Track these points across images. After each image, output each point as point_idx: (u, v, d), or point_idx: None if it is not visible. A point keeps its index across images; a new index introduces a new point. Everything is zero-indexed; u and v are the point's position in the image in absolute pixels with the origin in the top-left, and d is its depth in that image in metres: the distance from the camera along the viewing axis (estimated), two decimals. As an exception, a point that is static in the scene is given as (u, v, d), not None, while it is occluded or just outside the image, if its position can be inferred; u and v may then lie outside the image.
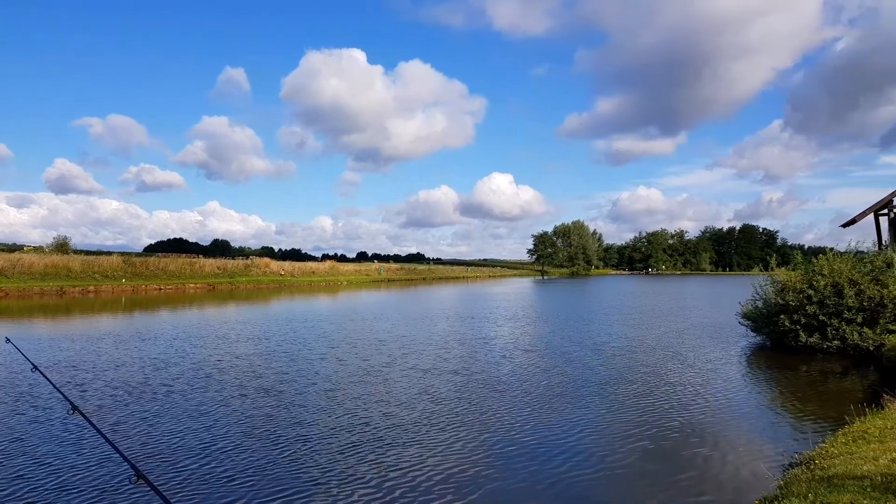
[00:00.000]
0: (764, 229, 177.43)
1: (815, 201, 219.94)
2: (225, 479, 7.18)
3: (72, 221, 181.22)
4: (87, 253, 61.24)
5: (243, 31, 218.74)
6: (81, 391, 11.80)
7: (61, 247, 63.25)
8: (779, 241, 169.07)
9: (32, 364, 4.94)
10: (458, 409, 10.56)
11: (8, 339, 4.93)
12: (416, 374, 13.79)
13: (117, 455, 3.26)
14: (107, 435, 3.49)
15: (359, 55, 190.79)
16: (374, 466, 7.63)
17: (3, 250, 57.70)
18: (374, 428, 9.34)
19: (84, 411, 3.67)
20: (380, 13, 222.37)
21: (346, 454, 8.10)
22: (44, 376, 4.67)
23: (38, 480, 7.13)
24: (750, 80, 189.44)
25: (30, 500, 6.60)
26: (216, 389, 12.08)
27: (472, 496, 6.77)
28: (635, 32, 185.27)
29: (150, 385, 12.44)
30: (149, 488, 2.77)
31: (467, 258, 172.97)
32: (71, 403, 4.07)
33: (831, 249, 19.08)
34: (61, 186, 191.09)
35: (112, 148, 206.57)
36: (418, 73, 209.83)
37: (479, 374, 13.85)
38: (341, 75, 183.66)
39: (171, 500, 2.58)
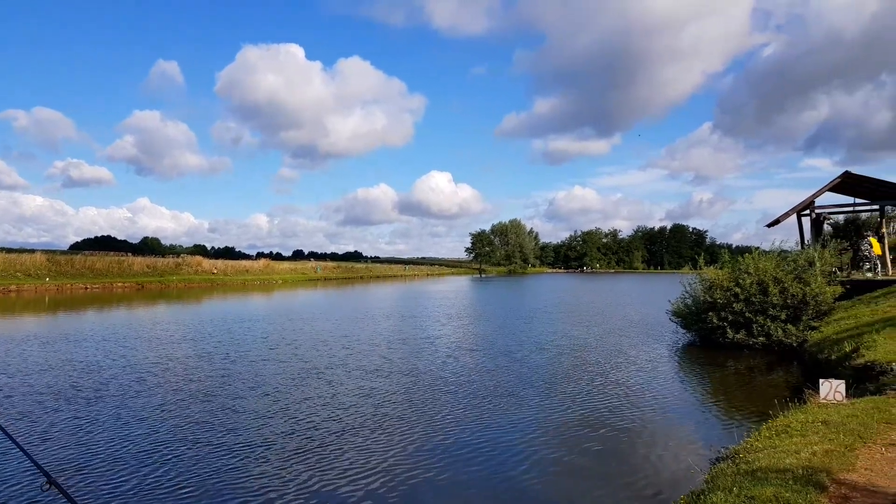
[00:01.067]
0: (694, 229, 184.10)
1: (743, 202, 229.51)
2: (152, 489, 6.97)
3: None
4: (9, 251, 58.15)
5: (177, 23, 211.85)
6: (5, 397, 11.24)
7: (-21, 244, 59.96)
8: (708, 240, 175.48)
9: None
10: (404, 411, 10.56)
11: None
12: (360, 376, 13.68)
13: (30, 461, 3.14)
14: (18, 440, 3.31)
15: (297, 51, 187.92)
16: (318, 472, 7.55)
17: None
18: (320, 432, 9.23)
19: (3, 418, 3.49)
20: (319, 9, 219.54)
21: (290, 460, 7.99)
22: None
23: None
24: (682, 82, 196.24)
25: None
26: (148, 394, 11.70)
27: (421, 499, 6.79)
28: (572, 34, 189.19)
29: (79, 390, 11.93)
30: (60, 495, 2.74)
31: (406, 256, 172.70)
32: None
33: (757, 248, 19.97)
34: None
35: (37, 142, 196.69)
36: (357, 70, 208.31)
37: (424, 375, 13.86)
38: (278, 71, 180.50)
39: None
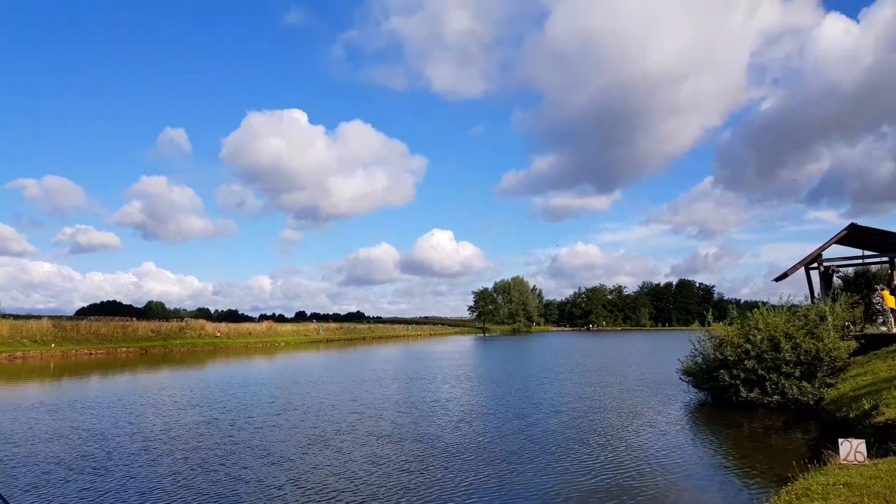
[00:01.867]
0: (701, 284, 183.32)
1: (749, 256, 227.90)
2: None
3: (2, 285, 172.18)
4: (17, 317, 58.18)
5: (184, 91, 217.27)
6: (12, 468, 11.06)
7: (-12, 312, 60.19)
8: (715, 295, 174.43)
9: None
10: (418, 480, 10.33)
11: None
12: (371, 442, 13.43)
13: None
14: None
15: (300, 116, 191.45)
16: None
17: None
18: None
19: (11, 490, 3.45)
20: (321, 75, 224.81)
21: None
22: None
23: None
24: (680, 138, 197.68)
25: None
26: (155, 463, 11.51)
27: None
28: (569, 93, 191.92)
29: (86, 459, 11.75)
30: None
31: (408, 316, 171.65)
32: None
33: (765, 303, 19.81)
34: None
35: (47, 209, 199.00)
36: (359, 133, 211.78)
37: (437, 441, 13.58)
38: (282, 135, 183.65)
39: None
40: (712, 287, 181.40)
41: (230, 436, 14.21)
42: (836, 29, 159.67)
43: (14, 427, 15.41)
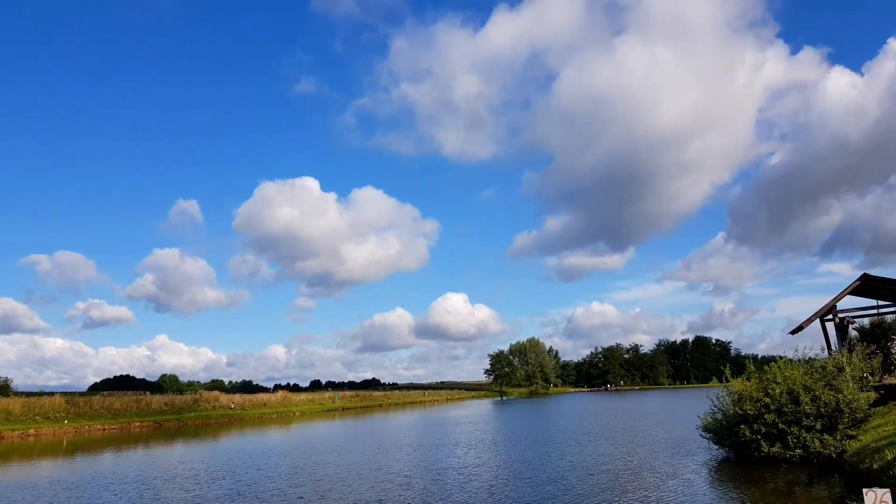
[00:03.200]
0: (717, 340, 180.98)
1: (765, 310, 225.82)
2: None
3: (14, 362, 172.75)
4: (29, 394, 58.21)
5: (196, 162, 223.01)
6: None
7: (2, 389, 60.22)
8: (733, 351, 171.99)
9: None
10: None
11: None
12: None
13: None
14: None
15: (312, 184, 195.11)
16: None
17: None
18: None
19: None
20: (333, 142, 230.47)
21: None
22: None
23: None
24: (691, 195, 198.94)
25: None
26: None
27: None
28: (578, 153, 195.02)
29: None
30: None
31: (425, 381, 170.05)
32: None
33: (782, 357, 19.59)
34: (5, 326, 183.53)
35: (59, 284, 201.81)
36: (371, 199, 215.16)
37: None
38: (294, 204, 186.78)
39: None
40: (729, 343, 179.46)
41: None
42: (841, 83, 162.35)
43: None
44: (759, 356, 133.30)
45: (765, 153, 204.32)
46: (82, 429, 48.51)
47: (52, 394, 56.88)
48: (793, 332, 25.96)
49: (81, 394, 68.03)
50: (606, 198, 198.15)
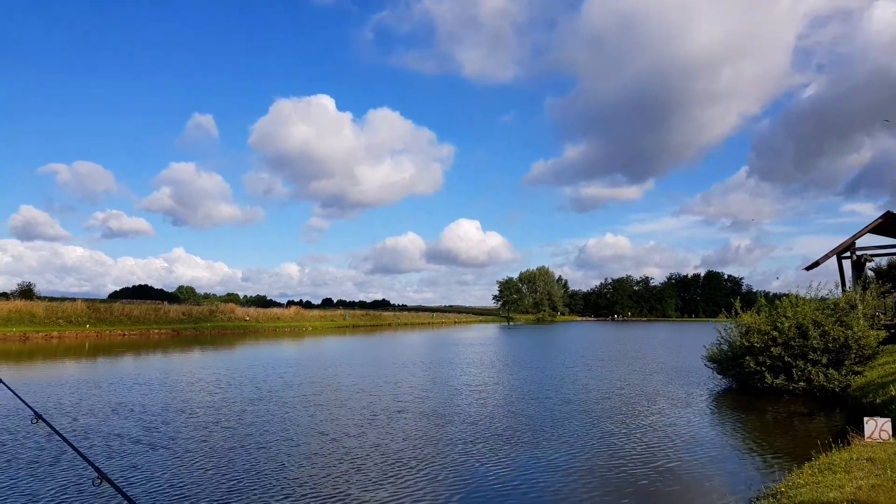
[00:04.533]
0: (729, 276, 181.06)
1: (782, 248, 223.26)
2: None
3: (36, 268, 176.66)
4: (52, 299, 59.72)
5: (213, 78, 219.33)
6: (86, 436, 11.52)
7: (26, 293, 61.78)
8: (744, 287, 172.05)
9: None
10: (485, 457, 10.53)
11: None
12: (425, 422, 13.38)
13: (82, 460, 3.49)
14: (72, 441, 3.58)
15: (328, 102, 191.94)
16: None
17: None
18: (375, 471, 9.32)
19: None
20: (350, 59, 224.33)
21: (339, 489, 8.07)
22: (6, 387, 4.71)
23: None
24: (717, 126, 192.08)
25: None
26: (213, 436, 11.85)
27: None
28: (604, 78, 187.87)
29: (152, 433, 11.94)
30: (113, 490, 2.98)
31: (433, 304, 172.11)
32: (33, 412, 4.15)
33: (795, 294, 19.56)
34: (27, 233, 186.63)
35: (78, 194, 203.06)
36: (387, 121, 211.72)
37: (493, 422, 13.55)
38: (310, 122, 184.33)
39: (135, 499, 2.74)
40: (741, 279, 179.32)
41: (285, 413, 14.31)
42: (888, 12, 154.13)
43: (74, 401, 15.82)
44: (772, 293, 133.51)
45: (799, 84, 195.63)
46: (103, 333, 50.08)
47: (73, 299, 58.38)
48: (808, 268, 25.87)
49: (102, 301, 69.71)
50: (629, 127, 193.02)
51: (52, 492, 8.01)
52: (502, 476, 9.05)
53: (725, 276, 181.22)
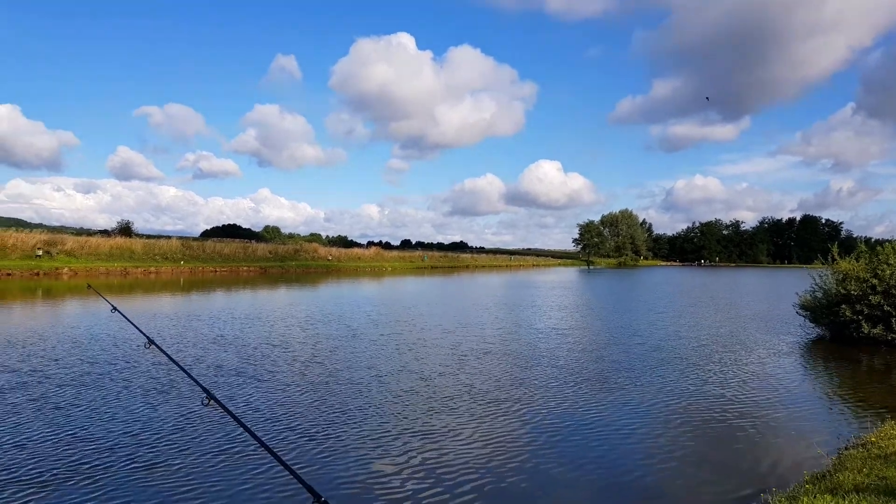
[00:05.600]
0: (827, 220, 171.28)
1: (889, 191, 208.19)
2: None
3: (133, 207, 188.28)
4: (149, 237, 63.39)
5: (294, 19, 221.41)
6: (191, 365, 12.24)
7: (125, 230, 65.67)
8: (843, 232, 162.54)
9: (112, 306, 5.26)
10: (532, 393, 10.64)
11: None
12: (516, 363, 13.48)
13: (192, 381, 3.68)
14: (181, 364, 3.75)
15: (408, 41, 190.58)
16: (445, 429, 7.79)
17: (72, 233, 60.26)
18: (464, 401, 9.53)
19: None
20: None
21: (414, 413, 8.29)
22: (122, 315, 4.97)
23: (126, 402, 8.62)
24: (822, 60, 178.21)
25: (124, 420, 7.92)
26: (313, 372, 12.36)
27: (542, 472, 6.87)
28: (699, 9, 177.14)
29: (257, 365, 12.50)
30: (220, 410, 3.14)
31: (511, 247, 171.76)
32: (147, 337, 4.35)
33: (900, 239, 18.27)
34: (124, 173, 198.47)
35: (170, 136, 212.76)
36: (467, 59, 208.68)
37: (586, 365, 13.52)
38: (390, 62, 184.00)
39: (240, 418, 2.84)
40: (840, 224, 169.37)
41: (375, 351, 14.49)
42: None
43: (177, 333, 16.72)
44: (874, 239, 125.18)
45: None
46: (196, 270, 52.96)
47: (168, 237, 61.77)
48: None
49: (194, 239, 73.41)
50: (724, 61, 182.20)
51: (166, 410, 8.62)
52: (594, 420, 8.95)
53: (823, 221, 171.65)
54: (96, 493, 5.77)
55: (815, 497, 4.61)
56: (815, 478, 5.16)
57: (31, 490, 5.78)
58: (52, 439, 7.31)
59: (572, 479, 6.63)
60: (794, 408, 9.90)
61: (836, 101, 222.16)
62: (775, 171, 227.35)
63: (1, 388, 9.76)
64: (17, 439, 7.26)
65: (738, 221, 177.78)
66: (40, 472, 6.23)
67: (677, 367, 13.09)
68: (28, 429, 7.69)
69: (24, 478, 6.07)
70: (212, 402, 3.21)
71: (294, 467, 2.45)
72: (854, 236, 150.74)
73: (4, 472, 6.21)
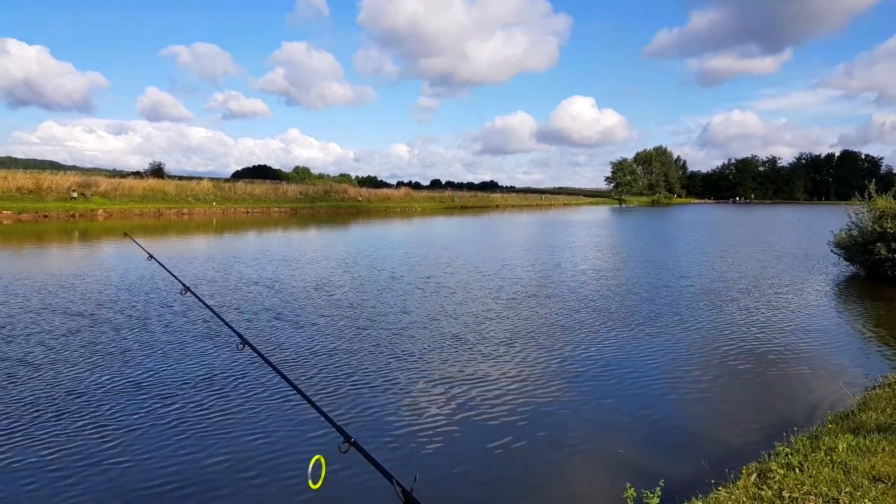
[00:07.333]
0: (867, 156, 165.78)
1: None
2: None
3: (164, 148, 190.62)
4: (181, 178, 64.15)
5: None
6: (228, 309, 12.62)
7: (157, 172, 66.42)
8: (883, 168, 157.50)
9: (149, 254, 5.41)
10: (561, 333, 10.78)
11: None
12: (549, 304, 13.60)
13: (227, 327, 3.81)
14: (215, 310, 3.90)
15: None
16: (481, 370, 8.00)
17: (105, 175, 61.26)
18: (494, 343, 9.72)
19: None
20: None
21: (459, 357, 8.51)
22: (159, 263, 5.11)
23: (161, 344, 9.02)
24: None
25: (159, 362, 8.28)
26: (357, 316, 12.69)
27: (574, 410, 7.05)
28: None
29: (298, 308, 13.08)
30: (254, 353, 3.20)
31: (543, 186, 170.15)
32: (183, 285, 4.50)
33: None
34: (154, 114, 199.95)
35: (199, 75, 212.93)
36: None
37: (622, 305, 13.65)
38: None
39: (273, 362, 2.97)
40: (881, 159, 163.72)
41: (420, 296, 14.36)
42: None
43: (216, 277, 16.93)
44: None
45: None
46: (228, 210, 53.65)
47: (200, 178, 62.37)
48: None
49: (225, 180, 74.07)
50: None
51: (202, 355, 8.88)
52: (634, 361, 9.13)
53: (863, 156, 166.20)
54: (133, 436, 6.13)
55: (836, 436, 4.68)
56: (838, 417, 5.23)
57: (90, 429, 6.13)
58: (103, 384, 7.73)
59: (618, 424, 6.78)
60: (825, 346, 9.90)
61: (882, 31, 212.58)
62: (815, 104, 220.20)
63: (55, 330, 10.26)
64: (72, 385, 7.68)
65: (774, 157, 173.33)
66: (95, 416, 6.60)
67: (711, 306, 13.14)
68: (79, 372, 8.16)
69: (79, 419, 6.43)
70: (245, 346, 3.33)
71: (326, 410, 2.55)
72: (894, 171, 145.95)
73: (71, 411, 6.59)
